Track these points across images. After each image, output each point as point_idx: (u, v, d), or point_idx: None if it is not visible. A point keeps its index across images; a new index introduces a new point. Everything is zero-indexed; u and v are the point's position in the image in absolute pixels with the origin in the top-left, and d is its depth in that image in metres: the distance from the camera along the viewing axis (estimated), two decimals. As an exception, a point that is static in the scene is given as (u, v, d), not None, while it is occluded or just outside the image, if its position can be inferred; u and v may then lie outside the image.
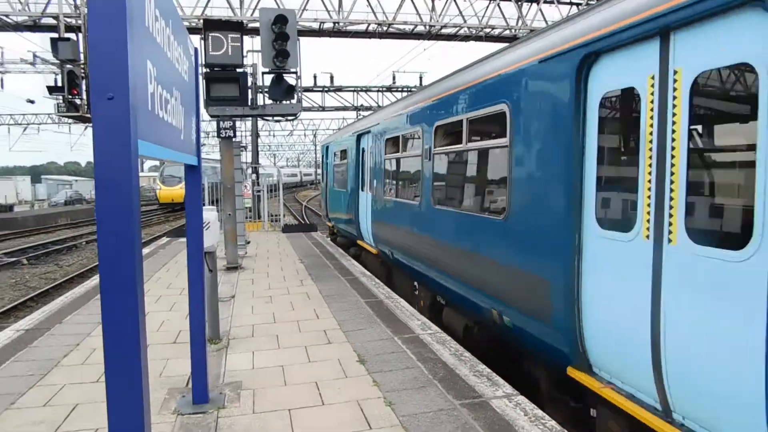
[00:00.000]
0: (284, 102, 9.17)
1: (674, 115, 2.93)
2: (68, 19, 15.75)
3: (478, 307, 5.25)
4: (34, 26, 17.32)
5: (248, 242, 11.67)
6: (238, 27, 8.75)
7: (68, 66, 13.19)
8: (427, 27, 22.12)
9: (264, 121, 32.19)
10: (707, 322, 2.71)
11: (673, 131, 2.93)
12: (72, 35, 14.37)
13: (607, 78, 3.46)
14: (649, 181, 3.08)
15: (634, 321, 3.15)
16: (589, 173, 3.60)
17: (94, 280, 8.53)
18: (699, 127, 2.93)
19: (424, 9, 21.70)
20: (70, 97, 13.34)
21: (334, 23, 21.01)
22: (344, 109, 29.61)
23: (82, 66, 13.41)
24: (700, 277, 2.74)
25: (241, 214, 10.44)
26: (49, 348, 5.14)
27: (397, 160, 8.30)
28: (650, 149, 3.08)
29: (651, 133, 3.07)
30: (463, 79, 5.73)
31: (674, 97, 2.93)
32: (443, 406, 3.77)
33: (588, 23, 3.65)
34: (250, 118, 21.15)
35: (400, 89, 28.91)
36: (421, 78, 28.68)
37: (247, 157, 19.70)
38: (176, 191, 33.01)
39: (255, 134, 21.54)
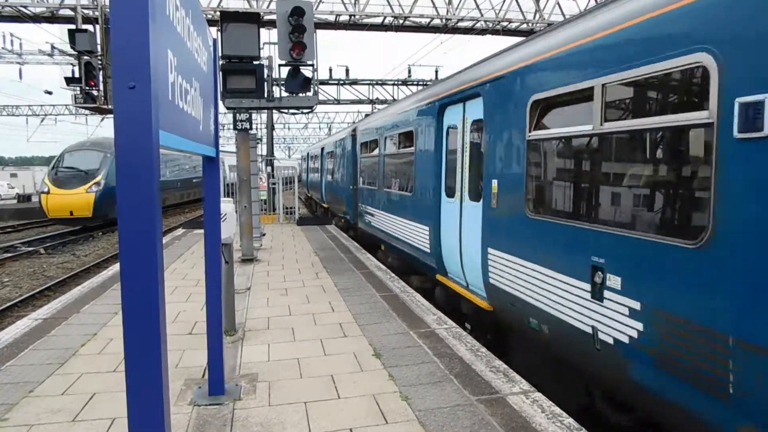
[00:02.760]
0: (300, 94, 9.17)
1: (464, 139, 6.22)
2: (86, 11, 15.91)
3: None
4: (52, 17, 17.53)
5: (263, 234, 11.74)
6: (255, 19, 8.74)
7: (85, 57, 13.34)
8: (444, 20, 21.95)
9: (279, 114, 32.26)
10: (472, 236, 5.76)
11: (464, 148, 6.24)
12: (89, 27, 14.52)
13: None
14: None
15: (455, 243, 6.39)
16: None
17: (111, 271, 8.65)
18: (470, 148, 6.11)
19: (440, 2, 21.53)
20: (87, 88, 13.51)
21: (350, 16, 20.94)
22: (359, 102, 29.57)
23: (99, 57, 13.56)
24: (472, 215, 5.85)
25: (257, 206, 10.49)
26: (66, 337, 5.22)
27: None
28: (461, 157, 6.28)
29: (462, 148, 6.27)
30: None
31: (464, 131, 6.22)
32: (460, 401, 3.74)
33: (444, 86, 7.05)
34: (266, 111, 21.22)
35: (415, 83, 28.75)
36: (437, 72, 28.45)
37: (262, 149, 19.78)
38: (76, 197, 19.07)
39: (270, 127, 21.60)
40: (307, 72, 8.97)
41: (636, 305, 3.31)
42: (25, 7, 16.91)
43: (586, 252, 3.78)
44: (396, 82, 28.91)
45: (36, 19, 17.28)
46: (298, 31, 8.39)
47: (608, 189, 3.74)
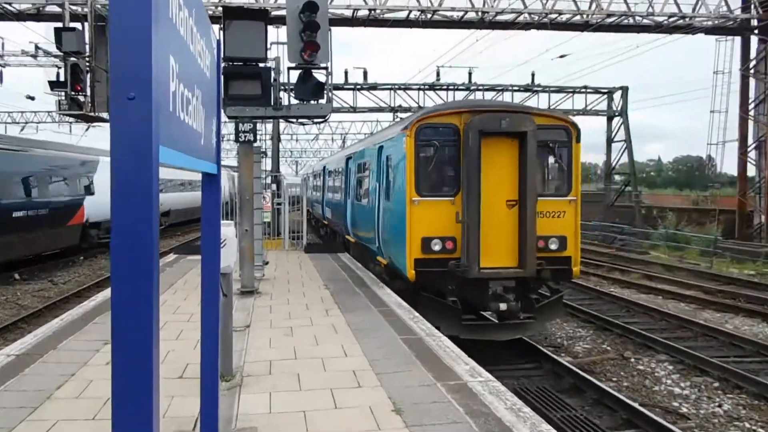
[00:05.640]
0: (312, 102, 9.38)
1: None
2: (74, 7, 16.61)
3: None
4: (38, 15, 18.38)
5: (266, 263, 11.88)
6: (261, 15, 9.02)
7: (72, 59, 13.84)
8: (480, 14, 22.12)
9: (286, 124, 32.77)
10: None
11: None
12: (77, 25, 15.10)
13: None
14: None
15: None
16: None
17: (93, 301, 8.84)
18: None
19: (476, -7, 21.72)
20: (73, 93, 13.97)
21: (370, 10, 21.33)
22: (379, 110, 29.88)
23: (87, 59, 14.05)
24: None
25: (259, 230, 10.65)
26: (41, 377, 5.35)
27: None
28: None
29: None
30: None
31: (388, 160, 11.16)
32: (496, 469, 3.69)
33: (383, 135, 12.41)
34: (272, 121, 21.67)
35: (445, 87, 28.95)
36: (470, 74, 28.69)
37: (266, 164, 20.14)
38: None
39: (276, 138, 22.02)
40: (320, 76, 9.18)
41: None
42: (9, 3, 17.75)
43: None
44: (422, 87, 29.09)
45: (20, 16, 18.12)
46: (310, 29, 8.61)
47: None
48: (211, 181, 3.77)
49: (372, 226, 11.93)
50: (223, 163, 4.16)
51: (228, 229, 4.84)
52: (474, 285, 9.11)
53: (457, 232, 9.15)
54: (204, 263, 3.79)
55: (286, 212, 17.04)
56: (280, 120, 20.33)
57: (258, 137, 10.56)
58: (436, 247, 9.21)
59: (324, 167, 23.91)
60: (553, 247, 9.47)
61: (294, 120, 11.01)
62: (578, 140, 9.85)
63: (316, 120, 10.30)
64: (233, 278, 6.22)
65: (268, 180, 18.36)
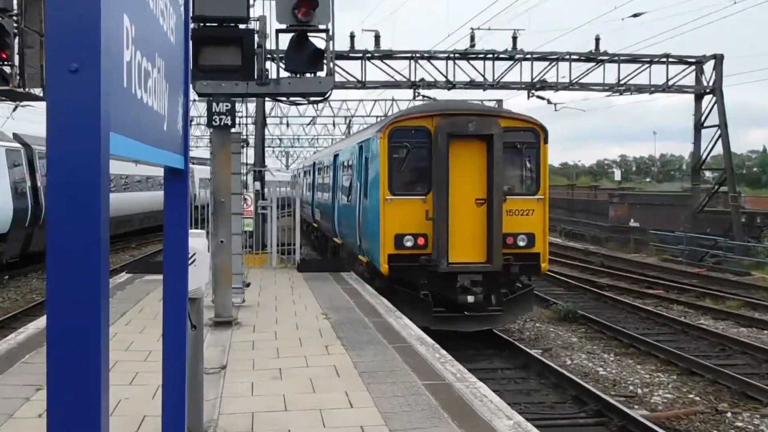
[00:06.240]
0: (308, 75, 9.41)
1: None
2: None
3: None
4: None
5: (247, 285, 11.91)
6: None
7: (-5, 18, 13.98)
8: (527, -39, 22.07)
9: (274, 104, 32.84)
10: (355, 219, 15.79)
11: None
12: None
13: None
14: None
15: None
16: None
17: (22, 334, 8.91)
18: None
19: (521, -67, 21.66)
20: (-3, 62, 14.11)
21: (384, -44, 21.35)
22: (395, 85, 29.60)
23: (15, 18, 14.16)
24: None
25: (238, 242, 10.68)
26: (-44, 433, 5.39)
27: None
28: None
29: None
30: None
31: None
32: None
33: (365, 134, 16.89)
34: (255, 100, 21.76)
35: (482, 55, 28.79)
36: (515, 39, 28.57)
37: (248, 155, 20.23)
38: None
39: (262, 123, 22.10)
40: (318, 41, 9.21)
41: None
42: None
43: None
44: (452, 55, 28.93)
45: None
46: (306, -19, 8.65)
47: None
48: (176, 178, 3.79)
49: (354, 226, 15.18)
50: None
51: (198, 242, 4.85)
52: (444, 278, 12.13)
53: (429, 229, 12.22)
54: (167, 285, 3.80)
55: (273, 218, 17.07)
56: (267, 99, 20.44)
57: (237, 121, 10.61)
58: (409, 243, 12.32)
59: (314, 163, 27.43)
60: (521, 243, 12.47)
61: (284, 99, 11.07)
62: (546, 141, 13.04)
63: (312, 98, 10.33)
64: (205, 305, 6.24)
65: (251, 176, 18.48)
